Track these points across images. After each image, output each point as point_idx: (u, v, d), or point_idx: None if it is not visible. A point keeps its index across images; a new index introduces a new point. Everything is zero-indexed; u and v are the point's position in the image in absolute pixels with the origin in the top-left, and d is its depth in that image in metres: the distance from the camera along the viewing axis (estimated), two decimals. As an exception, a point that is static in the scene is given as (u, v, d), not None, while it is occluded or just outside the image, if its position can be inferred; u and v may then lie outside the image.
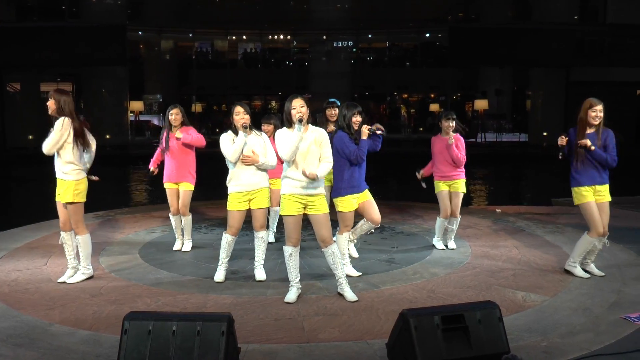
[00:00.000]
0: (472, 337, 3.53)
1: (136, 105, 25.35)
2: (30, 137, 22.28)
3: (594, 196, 5.36)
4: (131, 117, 25.24)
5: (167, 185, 6.61)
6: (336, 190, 5.46)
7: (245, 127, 5.20)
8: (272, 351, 3.93)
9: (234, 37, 30.23)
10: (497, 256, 6.28)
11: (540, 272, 5.66)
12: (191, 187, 6.59)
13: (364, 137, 5.31)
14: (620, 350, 3.88)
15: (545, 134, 24.06)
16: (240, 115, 5.25)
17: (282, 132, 4.80)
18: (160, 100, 27.98)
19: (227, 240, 5.44)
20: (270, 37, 30.06)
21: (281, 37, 29.73)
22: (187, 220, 6.64)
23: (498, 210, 9.03)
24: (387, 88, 30.11)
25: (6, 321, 4.46)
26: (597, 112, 5.29)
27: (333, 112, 6.27)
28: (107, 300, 4.93)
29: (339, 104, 6.30)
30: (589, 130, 5.33)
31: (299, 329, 4.31)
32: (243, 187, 5.33)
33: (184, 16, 29.58)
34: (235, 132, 5.26)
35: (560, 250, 6.51)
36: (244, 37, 30.85)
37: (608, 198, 5.40)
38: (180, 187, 6.56)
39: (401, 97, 32.55)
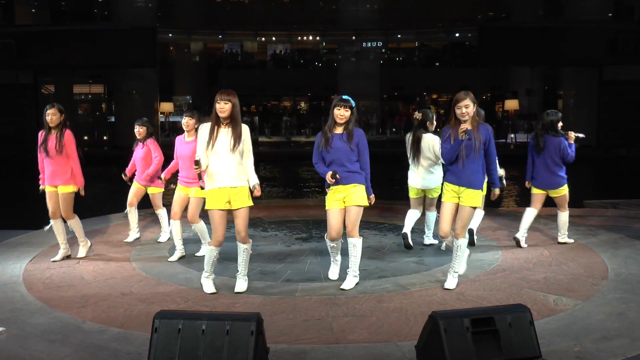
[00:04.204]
0: (502, 341, 3.49)
1: (166, 107, 25.67)
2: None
3: None
4: (161, 118, 25.56)
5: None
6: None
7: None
8: (301, 351, 3.94)
9: (263, 39, 30.44)
10: (528, 259, 6.19)
11: (572, 276, 5.56)
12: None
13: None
14: (656, 356, 3.79)
15: (577, 134, 23.63)
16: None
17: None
18: (190, 101, 28.29)
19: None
20: (299, 38, 30.20)
21: (310, 38, 29.84)
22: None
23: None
24: (416, 88, 29.98)
25: (41, 318, 4.56)
26: (462, 109, 4.94)
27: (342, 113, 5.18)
28: (138, 299, 5.01)
29: (353, 104, 5.23)
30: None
31: (327, 330, 4.31)
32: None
33: (214, 18, 29.89)
34: None
35: (592, 252, 6.38)
36: (273, 38, 31.04)
37: None
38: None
39: (430, 98, 32.37)
